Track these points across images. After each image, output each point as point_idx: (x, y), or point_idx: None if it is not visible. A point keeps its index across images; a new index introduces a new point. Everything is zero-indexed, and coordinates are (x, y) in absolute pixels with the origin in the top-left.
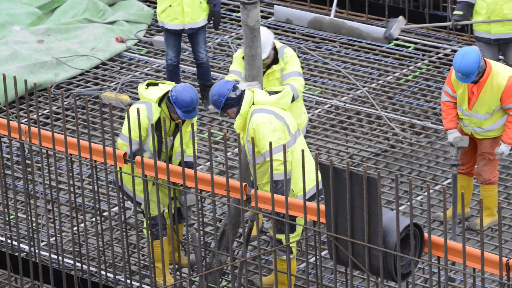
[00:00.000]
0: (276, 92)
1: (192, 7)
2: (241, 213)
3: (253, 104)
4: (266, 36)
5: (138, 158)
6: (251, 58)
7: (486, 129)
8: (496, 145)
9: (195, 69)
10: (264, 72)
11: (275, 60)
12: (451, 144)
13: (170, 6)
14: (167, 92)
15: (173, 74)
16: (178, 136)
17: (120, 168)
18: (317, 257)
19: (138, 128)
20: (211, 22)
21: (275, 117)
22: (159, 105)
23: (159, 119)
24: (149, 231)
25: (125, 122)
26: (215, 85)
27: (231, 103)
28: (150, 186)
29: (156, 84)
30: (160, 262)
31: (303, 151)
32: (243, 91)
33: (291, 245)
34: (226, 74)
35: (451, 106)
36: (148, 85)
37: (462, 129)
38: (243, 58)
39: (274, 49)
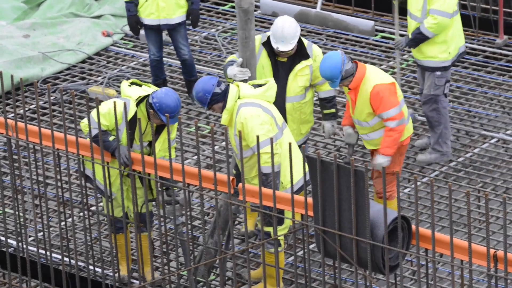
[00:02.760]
0: (260, 85)
1: (167, 2)
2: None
3: (239, 98)
4: (295, 28)
5: (134, 155)
6: (244, 40)
7: (370, 137)
8: None
9: None
10: (290, 68)
11: (304, 55)
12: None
13: (146, 0)
14: (148, 95)
15: (157, 69)
16: (157, 142)
17: (108, 163)
18: (305, 250)
19: (115, 120)
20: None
21: (262, 110)
22: (137, 105)
23: (133, 118)
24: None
25: (96, 109)
26: (198, 82)
27: (217, 99)
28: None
29: (140, 85)
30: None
31: (290, 144)
32: (227, 86)
33: (279, 238)
34: (213, 68)
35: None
36: (132, 83)
37: None
38: (262, 44)
39: (299, 41)
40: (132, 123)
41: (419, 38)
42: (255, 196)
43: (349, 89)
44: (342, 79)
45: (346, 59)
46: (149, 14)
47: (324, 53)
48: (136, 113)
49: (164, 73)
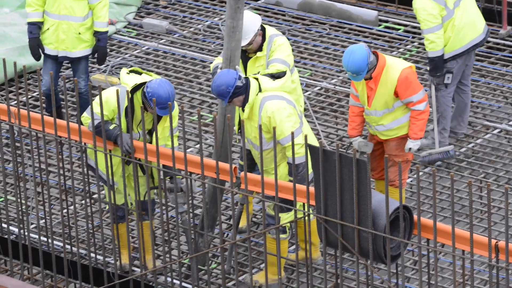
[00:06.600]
0: (279, 76)
1: (68, 35)
2: (217, 192)
3: (260, 91)
4: (249, 23)
5: (136, 143)
6: (231, 30)
7: (387, 127)
8: (401, 146)
9: (184, 51)
10: (249, 58)
11: (261, 48)
12: (357, 150)
13: (48, 29)
14: (145, 83)
15: (48, 102)
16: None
17: (110, 151)
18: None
19: (100, 109)
20: (96, 56)
21: (286, 102)
22: (134, 92)
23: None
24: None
25: (100, 97)
26: (219, 76)
27: (239, 91)
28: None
29: (140, 73)
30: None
31: (306, 136)
32: (247, 79)
33: (285, 225)
34: (215, 57)
35: (356, 112)
36: (131, 71)
37: (370, 133)
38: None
39: (263, 36)
40: (127, 112)
41: (434, 62)
42: (257, 185)
43: (370, 78)
44: (367, 71)
45: (370, 51)
46: (48, 43)
47: (321, 48)
48: (131, 101)
49: (58, 104)
